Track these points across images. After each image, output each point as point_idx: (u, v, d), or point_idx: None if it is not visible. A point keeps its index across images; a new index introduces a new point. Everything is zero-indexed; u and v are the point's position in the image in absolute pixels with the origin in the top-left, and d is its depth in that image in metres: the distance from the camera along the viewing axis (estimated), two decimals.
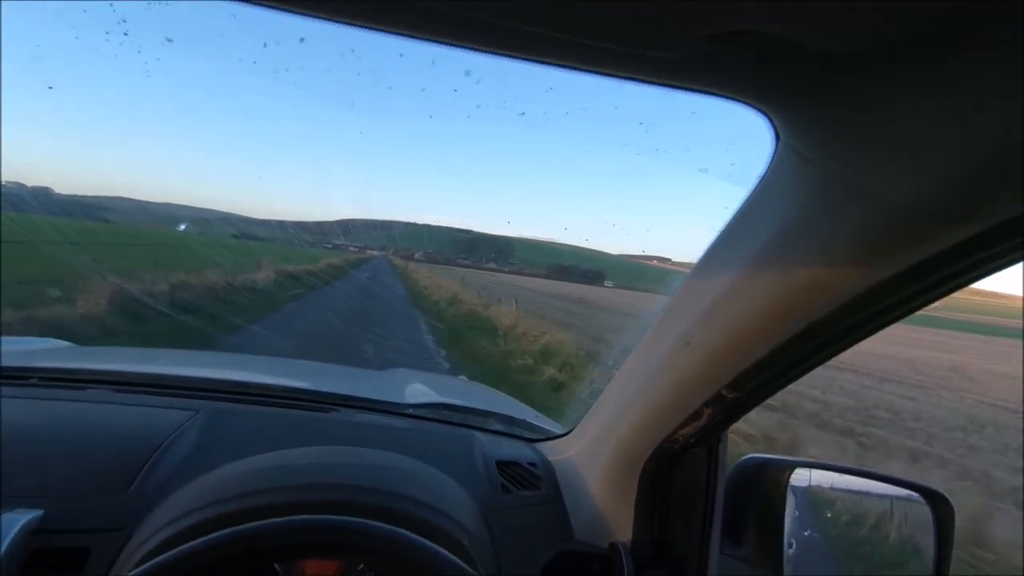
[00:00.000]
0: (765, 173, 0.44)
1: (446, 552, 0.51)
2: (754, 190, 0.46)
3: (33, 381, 0.87)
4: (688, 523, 0.70)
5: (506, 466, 0.84)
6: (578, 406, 0.98)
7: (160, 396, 0.89)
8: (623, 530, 0.73)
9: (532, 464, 0.87)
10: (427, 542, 0.52)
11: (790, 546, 0.73)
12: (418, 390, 1.22)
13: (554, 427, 1.06)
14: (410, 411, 1.05)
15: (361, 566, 0.59)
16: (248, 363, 1.83)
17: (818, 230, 0.41)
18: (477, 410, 1.12)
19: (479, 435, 0.95)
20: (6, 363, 0.92)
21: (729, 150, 0.47)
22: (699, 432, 0.64)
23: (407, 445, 0.85)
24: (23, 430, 0.71)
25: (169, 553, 0.48)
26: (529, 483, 0.83)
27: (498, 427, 1.05)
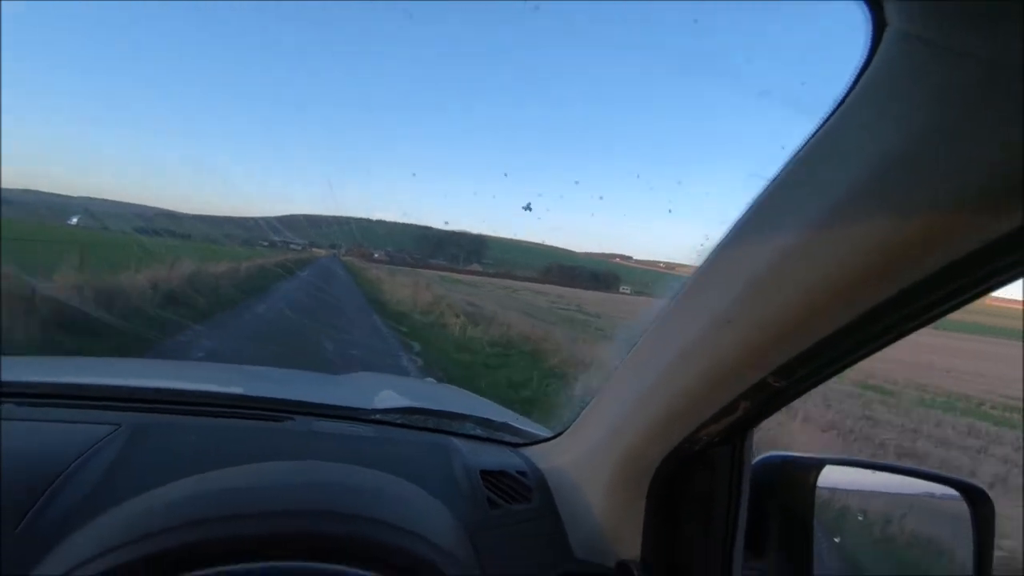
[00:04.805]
0: (854, 84, 0.38)
1: None
2: (835, 111, 0.40)
3: None
4: (708, 535, 0.69)
5: (491, 476, 0.82)
6: (567, 406, 0.98)
7: (75, 409, 0.83)
8: (630, 546, 0.72)
9: (521, 473, 0.85)
10: None
11: (826, 553, 0.75)
12: (385, 394, 1.19)
13: (540, 430, 1.04)
14: (377, 417, 1.03)
15: None
16: (189, 370, 1.76)
17: (929, 165, 0.35)
18: (453, 413, 1.11)
19: (457, 442, 0.93)
20: None
21: (805, 61, 0.44)
22: (728, 429, 0.62)
23: (375, 456, 0.82)
24: None
25: None
26: (519, 495, 0.81)
27: (478, 432, 1.04)
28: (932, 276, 0.39)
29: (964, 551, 0.72)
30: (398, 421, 1.04)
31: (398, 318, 11.54)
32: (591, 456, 0.77)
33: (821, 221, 0.42)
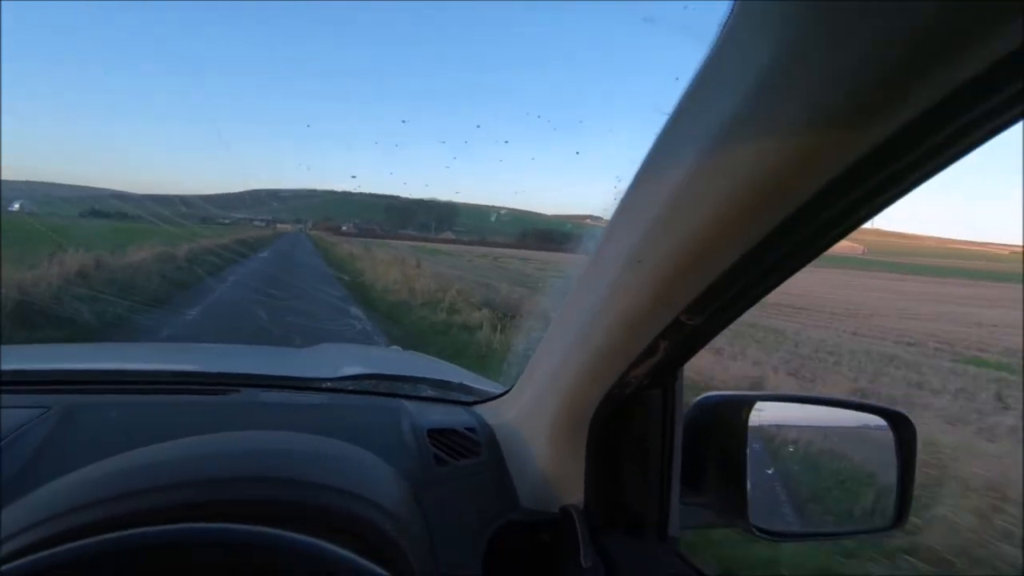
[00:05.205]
0: (729, 14, 0.38)
1: (345, 552, 0.47)
2: (715, 43, 0.40)
3: None
4: (645, 475, 0.72)
5: (439, 435, 0.84)
6: (517, 362, 1.00)
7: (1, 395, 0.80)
8: (574, 491, 0.74)
9: (470, 429, 0.87)
10: (320, 543, 0.47)
11: (760, 484, 0.79)
12: (342, 363, 1.19)
13: (495, 388, 1.06)
14: (328, 385, 1.03)
15: None
16: (129, 350, 1.71)
17: (796, 85, 0.36)
18: (407, 377, 1.12)
19: (408, 404, 0.94)
20: None
21: None
22: (654, 370, 0.63)
23: (322, 423, 0.83)
24: None
25: None
26: (468, 451, 0.83)
27: (430, 393, 1.05)
28: (818, 195, 0.40)
29: (890, 471, 0.77)
30: (350, 388, 1.05)
31: (395, 316, 8.89)
32: (533, 407, 0.79)
33: (709, 151, 0.42)
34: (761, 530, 0.74)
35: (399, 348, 2.00)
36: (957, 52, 0.30)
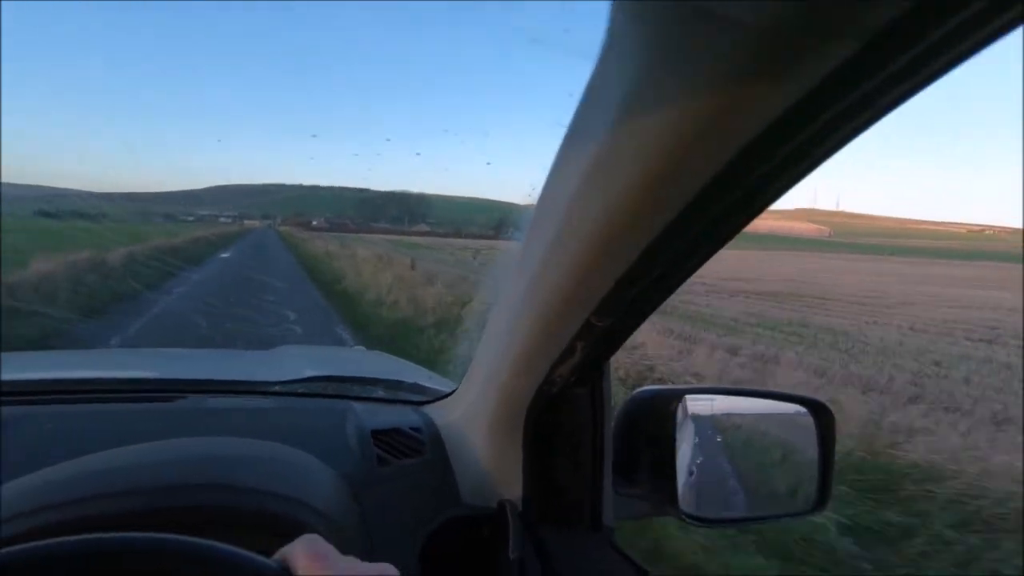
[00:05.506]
0: (607, 30, 0.39)
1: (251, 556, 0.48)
2: (599, 57, 0.41)
3: None
4: (578, 468, 0.75)
5: (383, 435, 0.85)
6: (464, 360, 1.02)
7: None
8: (513, 486, 0.77)
9: (415, 429, 0.88)
10: (235, 551, 0.49)
11: (691, 474, 0.83)
12: (297, 365, 1.19)
13: (449, 387, 1.08)
14: (276, 389, 1.03)
15: None
16: (71, 358, 1.66)
17: (670, 84, 0.37)
18: (358, 378, 1.14)
19: (356, 406, 0.95)
20: None
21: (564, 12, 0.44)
22: (576, 370, 0.65)
23: (267, 427, 0.83)
24: None
25: None
26: (412, 450, 0.84)
27: (380, 394, 1.06)
28: (688, 210, 0.42)
29: (812, 457, 0.82)
30: (299, 391, 1.05)
31: (398, 338, 6.76)
32: (475, 404, 0.81)
33: (592, 166, 0.44)
34: (692, 517, 0.78)
35: (363, 348, 2.01)
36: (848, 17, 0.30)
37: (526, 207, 0.56)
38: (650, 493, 0.79)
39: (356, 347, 1.99)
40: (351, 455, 0.81)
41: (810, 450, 0.82)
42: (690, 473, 0.81)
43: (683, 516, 0.77)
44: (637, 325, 0.61)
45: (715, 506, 0.83)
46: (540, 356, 0.65)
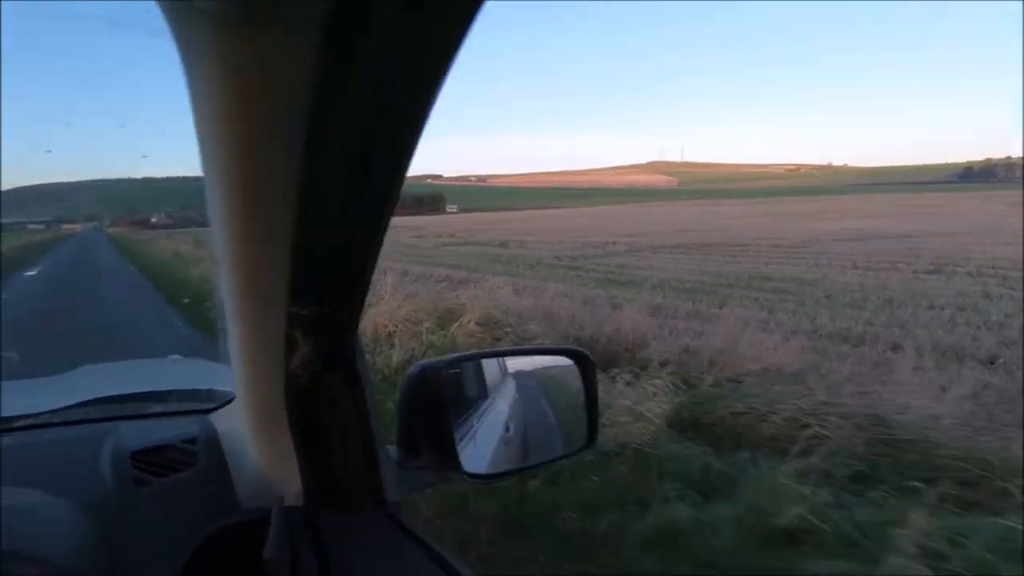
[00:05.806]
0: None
1: None
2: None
3: None
4: (349, 452, 0.77)
5: (145, 454, 0.81)
6: None
7: None
8: (293, 482, 0.76)
9: (189, 440, 0.85)
10: None
11: (507, 430, 0.88)
12: (91, 387, 1.11)
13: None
14: (33, 421, 0.95)
15: None
16: None
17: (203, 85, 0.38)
18: (139, 395, 1.08)
19: (123, 426, 0.90)
20: None
21: None
22: (312, 359, 0.65)
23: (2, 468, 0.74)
24: None
25: None
26: (182, 464, 0.81)
27: (159, 409, 1.01)
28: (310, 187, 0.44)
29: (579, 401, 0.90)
30: (57, 420, 0.96)
31: None
32: (241, 404, 0.79)
33: (209, 159, 0.44)
34: (475, 476, 0.82)
35: (179, 357, 1.84)
36: None
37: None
38: (432, 462, 0.82)
39: (171, 356, 1.82)
40: (103, 482, 0.76)
41: (578, 394, 0.90)
42: (506, 429, 0.86)
43: (466, 477, 0.81)
44: (360, 305, 0.62)
45: (499, 462, 0.89)
46: (267, 350, 0.63)
